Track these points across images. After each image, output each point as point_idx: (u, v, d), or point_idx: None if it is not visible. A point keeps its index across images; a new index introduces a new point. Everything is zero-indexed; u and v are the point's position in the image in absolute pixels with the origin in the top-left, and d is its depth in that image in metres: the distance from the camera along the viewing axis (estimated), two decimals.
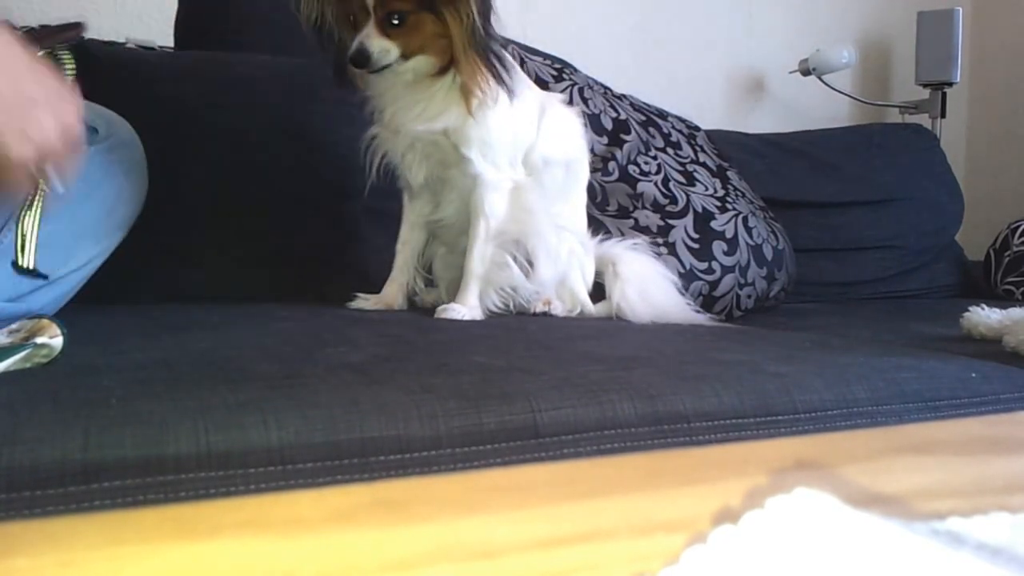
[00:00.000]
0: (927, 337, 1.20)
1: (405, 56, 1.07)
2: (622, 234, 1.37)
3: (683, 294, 1.30)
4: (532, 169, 1.17)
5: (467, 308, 1.12)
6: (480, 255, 1.14)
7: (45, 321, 0.73)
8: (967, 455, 0.41)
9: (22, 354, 0.68)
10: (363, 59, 1.05)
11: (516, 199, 1.16)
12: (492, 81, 1.08)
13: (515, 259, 1.16)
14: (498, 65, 1.09)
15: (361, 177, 1.18)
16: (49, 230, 0.88)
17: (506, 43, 1.14)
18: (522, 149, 1.17)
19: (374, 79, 1.10)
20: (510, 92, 1.10)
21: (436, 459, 0.63)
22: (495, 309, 1.16)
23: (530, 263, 1.18)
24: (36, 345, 0.70)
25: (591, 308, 1.24)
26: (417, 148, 1.13)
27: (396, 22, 1.05)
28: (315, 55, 1.17)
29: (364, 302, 1.17)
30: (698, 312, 1.28)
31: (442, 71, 1.09)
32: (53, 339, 0.72)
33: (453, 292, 1.19)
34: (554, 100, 1.26)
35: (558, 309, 1.20)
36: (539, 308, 1.19)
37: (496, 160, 1.14)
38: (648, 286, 1.25)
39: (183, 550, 0.27)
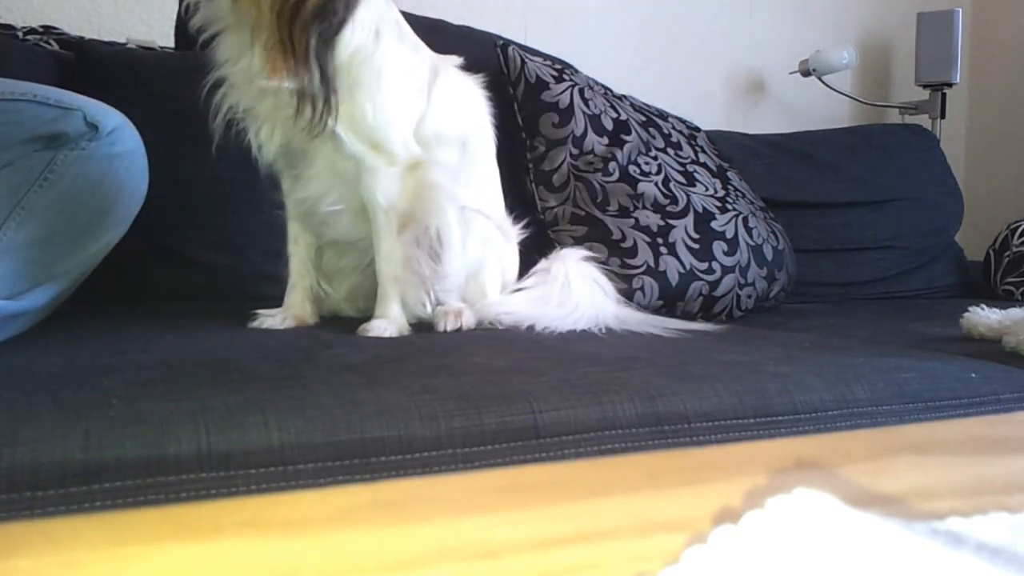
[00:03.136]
0: (927, 337, 1.20)
1: None
2: (623, 234, 1.37)
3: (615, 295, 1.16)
4: (424, 145, 0.99)
5: (389, 321, 0.96)
6: (389, 253, 0.97)
7: None
8: (967, 455, 0.41)
9: None
10: None
11: (415, 177, 0.98)
12: (290, 65, 0.85)
13: (428, 248, 0.99)
14: (310, 60, 0.85)
15: None
16: (49, 227, 0.88)
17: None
18: (411, 124, 0.97)
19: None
20: (311, 98, 0.88)
21: (437, 460, 0.63)
22: (421, 315, 1.00)
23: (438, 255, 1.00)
24: None
25: (494, 308, 1.05)
26: (269, 104, 0.92)
27: None
28: None
29: (271, 319, 1.00)
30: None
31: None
32: None
33: (354, 301, 1.09)
34: (448, 64, 1.06)
35: (470, 320, 1.02)
36: (450, 324, 1.00)
37: (379, 142, 0.94)
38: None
39: (184, 550, 0.27)
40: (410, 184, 0.98)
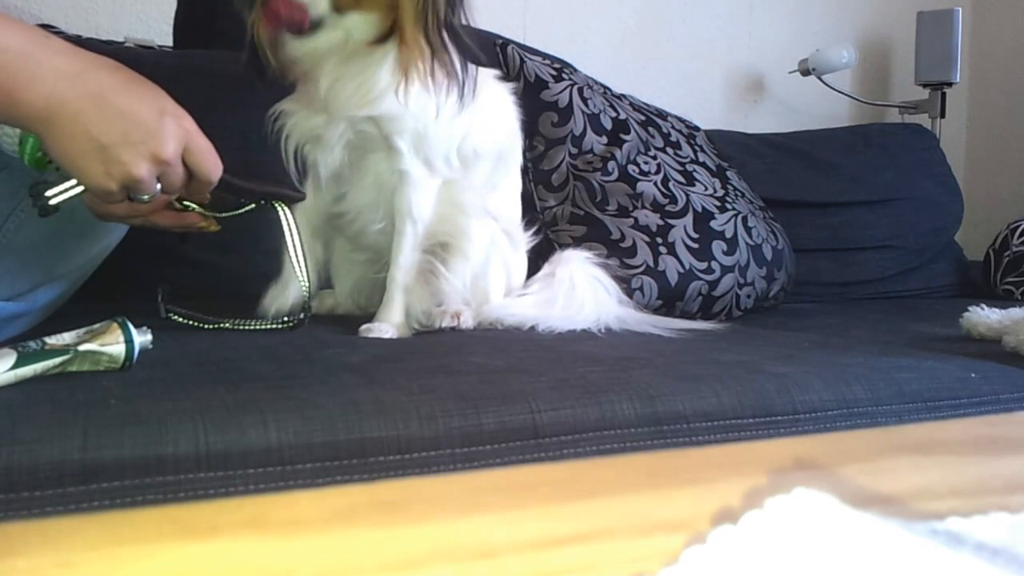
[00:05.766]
0: (927, 337, 1.20)
1: (338, 10, 0.90)
2: (622, 233, 1.37)
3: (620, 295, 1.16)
4: (463, 161, 1.03)
5: (391, 326, 0.97)
6: (406, 264, 0.99)
7: (113, 326, 0.69)
8: (967, 455, 0.41)
9: (57, 360, 0.66)
10: None
11: (446, 195, 1.01)
12: (436, 68, 0.92)
13: (443, 263, 1.02)
14: (451, 51, 0.93)
15: None
16: (52, 229, 0.88)
17: (473, 32, 0.98)
18: (457, 141, 1.01)
19: (300, 46, 0.94)
20: (460, 87, 0.95)
21: (435, 459, 0.63)
22: (417, 327, 1.00)
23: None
24: (78, 352, 0.67)
25: (497, 312, 1.05)
26: (337, 132, 0.98)
27: None
28: None
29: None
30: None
31: (382, 38, 0.92)
32: (107, 346, 0.68)
33: (355, 296, 1.10)
34: (488, 77, 1.08)
35: (468, 321, 1.02)
36: (446, 323, 1.00)
37: (430, 155, 0.99)
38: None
39: (182, 550, 0.27)
40: (442, 199, 1.01)
